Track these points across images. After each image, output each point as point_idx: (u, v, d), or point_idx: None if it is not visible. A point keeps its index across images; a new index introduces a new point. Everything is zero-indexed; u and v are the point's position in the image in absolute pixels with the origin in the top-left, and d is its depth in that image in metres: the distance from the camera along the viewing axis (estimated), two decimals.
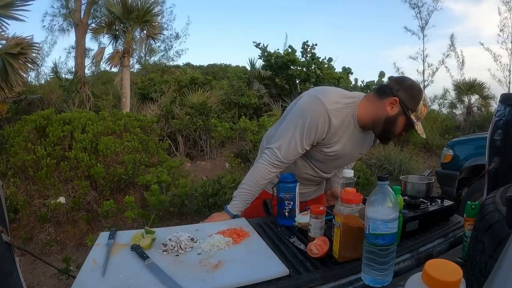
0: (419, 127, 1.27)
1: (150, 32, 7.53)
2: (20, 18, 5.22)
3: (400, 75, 1.38)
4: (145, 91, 8.52)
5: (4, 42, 5.28)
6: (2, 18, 5.14)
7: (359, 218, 0.93)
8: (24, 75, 6.26)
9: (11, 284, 0.92)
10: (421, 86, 10.87)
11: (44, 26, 13.98)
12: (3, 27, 5.21)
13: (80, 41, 10.43)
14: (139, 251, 1.02)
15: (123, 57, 7.12)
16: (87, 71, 11.61)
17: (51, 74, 9.37)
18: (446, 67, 11.76)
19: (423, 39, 11.76)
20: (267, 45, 7.93)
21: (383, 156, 5.54)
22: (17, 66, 5.16)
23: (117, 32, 7.40)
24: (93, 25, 10.49)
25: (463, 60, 11.51)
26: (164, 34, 9.53)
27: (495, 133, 1.40)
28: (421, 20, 11.74)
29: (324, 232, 1.09)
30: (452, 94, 11.04)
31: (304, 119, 1.27)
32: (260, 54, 8.01)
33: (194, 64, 15.79)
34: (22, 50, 5.19)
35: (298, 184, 1.31)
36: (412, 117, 1.26)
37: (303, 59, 7.65)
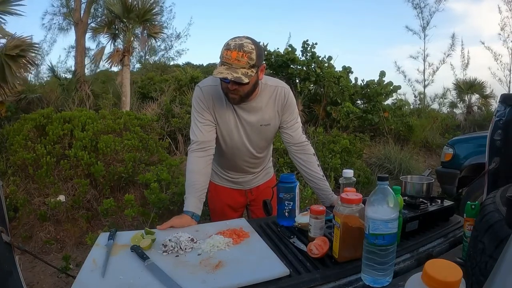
0: (217, 70, 1.27)
1: (151, 30, 7.52)
2: (18, 13, 5.23)
3: None
4: (145, 90, 8.51)
5: (4, 40, 5.29)
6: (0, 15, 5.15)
7: (359, 218, 0.93)
8: (24, 74, 6.26)
9: (11, 283, 0.92)
10: (422, 85, 10.91)
11: (44, 24, 13.94)
12: (1, 24, 5.21)
13: (80, 40, 10.43)
14: (139, 252, 1.02)
15: (123, 56, 7.11)
16: (87, 70, 11.60)
17: (49, 74, 9.35)
18: (451, 64, 11.79)
19: (424, 39, 11.76)
20: (267, 44, 7.93)
21: (383, 155, 5.54)
22: (15, 68, 5.15)
23: (117, 31, 7.39)
24: (93, 24, 10.48)
25: (468, 61, 11.55)
26: (164, 33, 9.50)
27: (495, 133, 1.40)
28: (423, 20, 11.74)
29: (324, 232, 1.09)
30: (452, 93, 11.06)
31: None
32: None
33: (194, 64, 15.77)
34: (21, 52, 5.18)
35: (298, 184, 1.31)
36: (218, 64, 1.31)
37: (303, 58, 7.64)
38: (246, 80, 1.25)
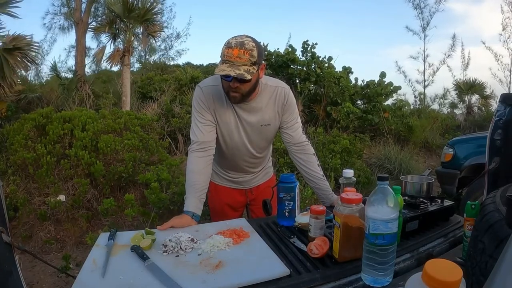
0: (218, 68, 1.27)
1: (150, 29, 7.52)
2: (15, 15, 5.27)
3: None
4: (145, 90, 8.51)
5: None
6: None
7: (359, 218, 0.93)
8: (23, 73, 6.28)
9: (11, 283, 0.92)
10: (422, 85, 10.91)
11: (45, 24, 13.95)
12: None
13: (80, 39, 10.43)
14: (139, 252, 1.02)
15: (123, 56, 7.11)
16: (87, 70, 11.61)
17: (50, 73, 9.36)
18: (449, 66, 11.81)
19: (424, 39, 11.75)
20: (267, 44, 7.93)
21: (383, 155, 5.54)
22: (12, 62, 5.16)
23: (117, 31, 7.39)
24: (93, 23, 10.49)
25: (468, 62, 11.56)
26: (164, 32, 9.51)
27: (495, 133, 1.40)
28: (423, 20, 11.73)
29: (324, 232, 1.09)
30: (452, 94, 11.07)
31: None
32: None
33: (194, 64, 15.77)
34: (17, 44, 5.19)
35: (298, 184, 1.31)
36: (219, 63, 1.31)
37: (303, 58, 7.64)
38: (248, 77, 1.25)
